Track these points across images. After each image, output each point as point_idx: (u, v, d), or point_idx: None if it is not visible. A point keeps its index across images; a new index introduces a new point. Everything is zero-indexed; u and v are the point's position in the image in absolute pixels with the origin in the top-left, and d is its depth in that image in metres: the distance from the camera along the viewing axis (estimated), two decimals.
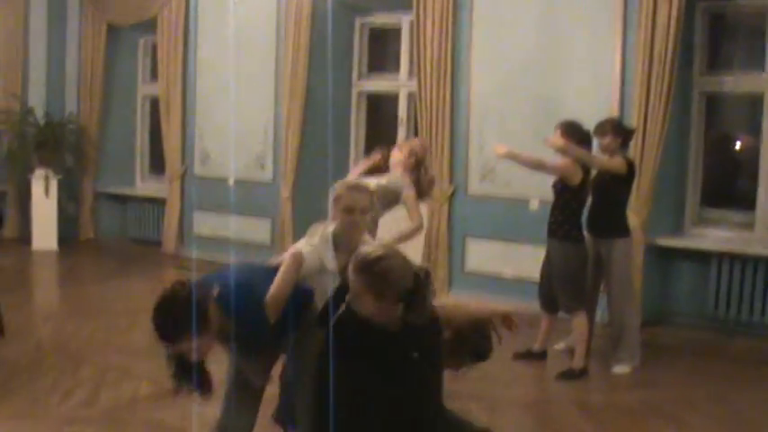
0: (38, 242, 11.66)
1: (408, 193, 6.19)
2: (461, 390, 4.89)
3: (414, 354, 3.42)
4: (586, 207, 6.72)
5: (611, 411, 5.89)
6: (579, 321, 6.64)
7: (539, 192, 7.82)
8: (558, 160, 6.62)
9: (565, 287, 6.61)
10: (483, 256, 8.91)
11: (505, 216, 8.63)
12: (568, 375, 6.56)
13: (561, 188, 6.61)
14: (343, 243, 4.19)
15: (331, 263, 4.15)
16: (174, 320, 3.50)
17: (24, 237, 11.87)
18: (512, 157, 6.67)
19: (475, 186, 8.93)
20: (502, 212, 8.67)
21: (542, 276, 6.91)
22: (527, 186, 8.22)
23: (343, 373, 3.27)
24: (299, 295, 3.95)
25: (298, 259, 4.06)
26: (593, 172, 6.72)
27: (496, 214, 8.72)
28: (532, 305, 7.03)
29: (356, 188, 4.46)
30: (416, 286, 3.36)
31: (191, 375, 3.64)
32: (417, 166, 6.37)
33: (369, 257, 3.38)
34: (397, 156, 6.41)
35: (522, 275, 8.23)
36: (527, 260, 8.06)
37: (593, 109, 7.56)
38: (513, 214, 8.52)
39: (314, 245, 4.19)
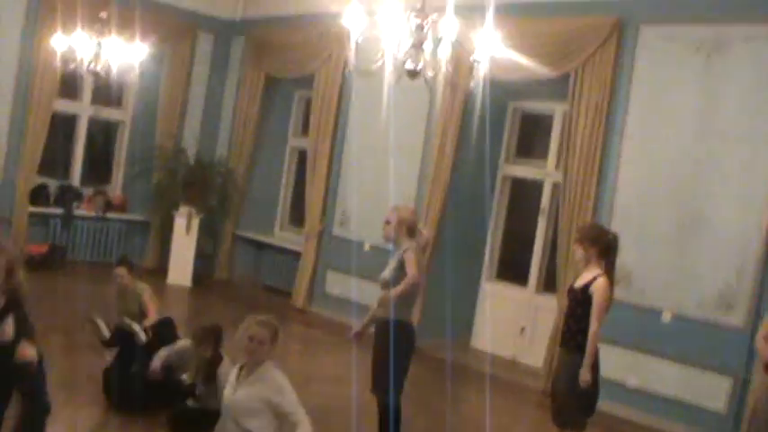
0: (173, 276, 12.04)
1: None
2: None
3: None
4: None
5: None
6: None
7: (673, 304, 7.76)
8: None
9: None
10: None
11: (636, 324, 8.28)
12: None
13: None
14: None
15: None
16: None
17: (162, 269, 12.29)
18: None
19: None
20: (633, 320, 8.28)
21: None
22: (661, 297, 8.05)
23: None
24: None
25: None
26: None
27: (627, 321, 8.28)
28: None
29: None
30: None
31: None
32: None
33: None
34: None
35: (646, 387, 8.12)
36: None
37: (739, 227, 7.40)
38: (644, 324, 8.23)
39: None
